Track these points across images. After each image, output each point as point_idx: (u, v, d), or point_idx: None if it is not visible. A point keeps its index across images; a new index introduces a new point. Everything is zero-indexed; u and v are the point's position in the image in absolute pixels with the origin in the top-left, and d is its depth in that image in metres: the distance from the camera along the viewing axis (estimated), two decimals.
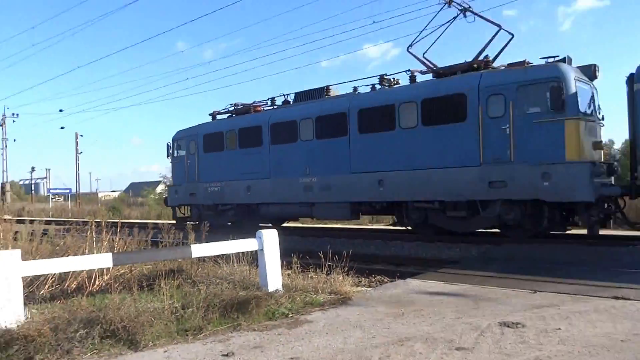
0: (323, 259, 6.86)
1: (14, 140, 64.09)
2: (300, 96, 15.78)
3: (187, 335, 4.67)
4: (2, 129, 44.33)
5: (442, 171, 11.86)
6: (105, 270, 6.52)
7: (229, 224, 16.58)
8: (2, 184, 44.93)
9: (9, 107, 72.38)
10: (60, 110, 77.72)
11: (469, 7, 13.03)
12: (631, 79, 10.51)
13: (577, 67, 11.22)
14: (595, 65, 11.24)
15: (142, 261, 6.71)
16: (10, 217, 8.25)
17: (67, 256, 6.66)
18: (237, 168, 16.49)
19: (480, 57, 12.44)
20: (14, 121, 45.13)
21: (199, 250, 6.01)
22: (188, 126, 18.85)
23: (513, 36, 12.32)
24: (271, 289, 6.01)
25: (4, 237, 7.20)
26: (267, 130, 15.62)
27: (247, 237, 6.43)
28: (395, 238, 13.45)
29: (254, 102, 17.37)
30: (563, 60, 11.11)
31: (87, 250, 7.10)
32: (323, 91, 15.22)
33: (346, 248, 7.80)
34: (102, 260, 5.50)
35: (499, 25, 12.50)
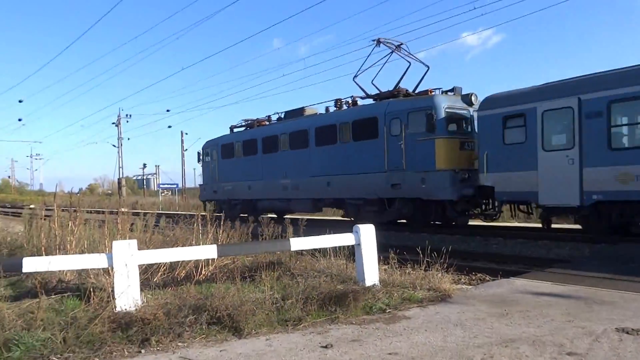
0: (421, 255, 6.75)
1: (128, 139, 69.96)
2: (287, 115, 19.77)
3: (287, 325, 4.84)
4: (118, 129, 48.64)
5: (363, 176, 15.36)
6: (210, 261, 6.93)
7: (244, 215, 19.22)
8: (118, 179, 49.43)
9: (123, 108, 79.18)
10: (168, 110, 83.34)
11: (401, 44, 16.23)
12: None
13: (461, 95, 14.28)
14: (471, 94, 14.12)
15: (244, 253, 7.05)
16: (126, 210, 9.01)
17: (177, 247, 7.17)
18: (242, 171, 20.88)
19: (422, 86, 16.06)
20: (127, 121, 49.28)
21: (298, 243, 6.18)
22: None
23: (429, 68, 16.03)
24: (368, 283, 6.04)
25: (122, 228, 7.90)
26: (260, 142, 19.89)
27: (343, 232, 6.51)
28: (496, 235, 12.92)
29: (257, 118, 21.51)
30: (452, 90, 14.39)
31: (194, 242, 7.59)
32: (300, 111, 19.08)
33: (444, 244, 7.63)
34: (208, 251, 5.86)
35: (409, 62, 16.27)
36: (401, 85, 16.17)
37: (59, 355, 4.06)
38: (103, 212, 9.43)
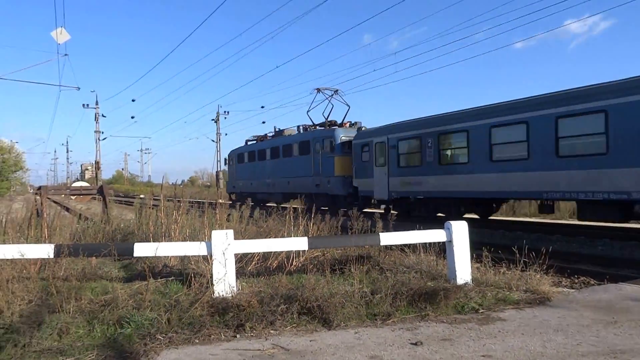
0: (517, 254, 6.40)
1: (225, 134, 73.32)
2: (275, 134, 28.21)
3: (376, 319, 4.80)
4: (217, 124, 51.18)
5: (303, 178, 22.98)
6: (301, 252, 7.06)
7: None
8: (216, 172, 52.00)
9: (222, 105, 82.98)
10: (262, 107, 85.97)
11: (336, 90, 24.30)
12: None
13: (358, 127, 21.71)
14: (362, 127, 21.51)
15: (334, 246, 7.10)
16: (223, 201, 9.44)
17: (270, 238, 7.39)
18: (248, 173, 30.03)
19: (346, 119, 24.10)
20: (225, 118, 51.42)
21: (387, 238, 6.11)
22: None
23: (349, 107, 28.97)
24: (460, 281, 5.83)
25: (220, 218, 8.30)
26: (257, 153, 28.82)
27: (432, 228, 6.33)
28: (602, 236, 11.94)
29: (260, 135, 30.47)
30: (354, 124, 22.15)
31: (285, 234, 7.78)
32: (281, 132, 27.42)
33: (543, 244, 7.17)
34: (299, 243, 5.98)
35: (332, 105, 25.23)
36: (351, 118, 24.78)
37: (163, 335, 4.34)
38: (203, 203, 9.98)
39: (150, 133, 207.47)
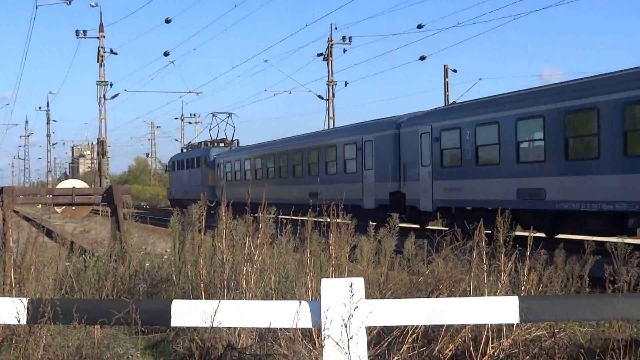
0: None
1: (346, 84, 76.98)
2: (200, 144, 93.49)
3: None
4: (327, 65, 52.70)
5: (198, 187, 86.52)
6: (505, 329, 6.94)
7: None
8: None
9: (337, 26, 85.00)
10: (419, 27, 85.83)
11: (231, 114, 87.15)
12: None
13: (238, 145, 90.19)
14: (232, 146, 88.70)
15: (575, 319, 6.86)
16: (343, 219, 9.32)
17: (436, 296, 7.34)
18: (178, 180, 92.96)
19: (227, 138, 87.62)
20: (344, 50, 53.03)
21: None
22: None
23: (235, 128, 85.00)
24: None
25: (338, 254, 8.19)
26: (181, 162, 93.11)
27: None
28: None
29: (192, 144, 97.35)
30: (231, 142, 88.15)
31: (470, 288, 7.67)
32: (200, 144, 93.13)
33: None
34: (500, 309, 5.82)
35: (219, 127, 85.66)
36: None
37: None
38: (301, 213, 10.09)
39: (200, 85, 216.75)
